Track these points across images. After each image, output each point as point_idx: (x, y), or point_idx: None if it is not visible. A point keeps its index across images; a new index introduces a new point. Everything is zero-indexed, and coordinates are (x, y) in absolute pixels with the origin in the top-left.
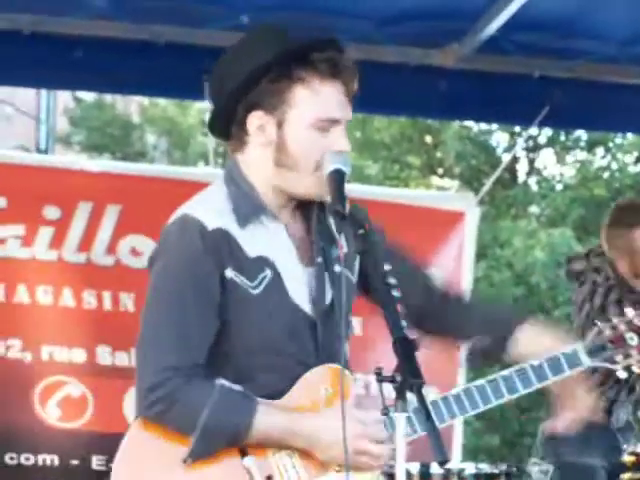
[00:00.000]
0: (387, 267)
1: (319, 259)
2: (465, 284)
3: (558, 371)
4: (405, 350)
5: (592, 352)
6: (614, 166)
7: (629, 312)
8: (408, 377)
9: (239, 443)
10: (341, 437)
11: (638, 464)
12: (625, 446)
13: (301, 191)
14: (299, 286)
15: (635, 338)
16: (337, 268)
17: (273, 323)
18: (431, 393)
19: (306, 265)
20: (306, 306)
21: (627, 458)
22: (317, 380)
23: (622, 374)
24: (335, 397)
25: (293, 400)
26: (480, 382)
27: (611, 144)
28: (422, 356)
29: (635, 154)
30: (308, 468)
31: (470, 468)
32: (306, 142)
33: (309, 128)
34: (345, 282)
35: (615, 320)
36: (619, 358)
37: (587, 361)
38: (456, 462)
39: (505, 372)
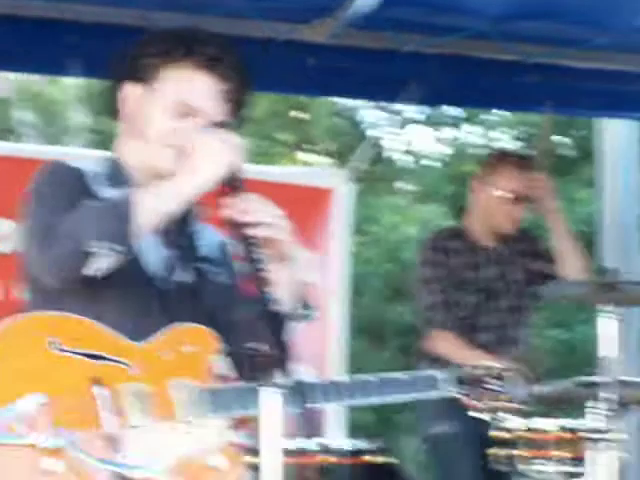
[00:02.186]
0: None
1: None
2: (338, 261)
3: (420, 391)
4: (273, 325)
5: (458, 383)
6: (486, 143)
7: (495, 363)
8: (276, 352)
9: None
10: None
11: (508, 440)
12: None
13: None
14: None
15: (499, 385)
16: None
17: None
18: (304, 371)
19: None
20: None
21: (496, 433)
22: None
23: (476, 414)
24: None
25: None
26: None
27: (483, 121)
28: (295, 334)
29: (506, 131)
30: (157, 410)
31: (346, 444)
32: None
33: (168, 108)
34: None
35: (481, 363)
36: (485, 399)
37: (450, 389)
38: (335, 439)
39: (372, 377)
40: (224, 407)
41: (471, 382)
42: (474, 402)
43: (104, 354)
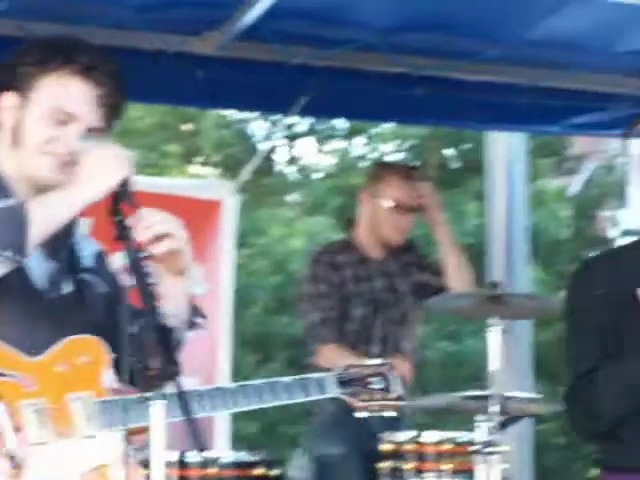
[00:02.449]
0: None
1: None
2: (225, 273)
3: (307, 394)
4: (162, 338)
5: (341, 384)
6: (373, 155)
7: (374, 361)
8: (165, 365)
9: None
10: None
11: (395, 453)
12: (381, 434)
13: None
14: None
15: (379, 382)
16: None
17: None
18: (192, 383)
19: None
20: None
21: (384, 447)
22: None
23: (362, 414)
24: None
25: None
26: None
27: (370, 133)
28: (185, 347)
29: (394, 143)
30: (56, 425)
31: (229, 456)
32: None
33: (44, 115)
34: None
35: (364, 362)
36: (363, 397)
37: (334, 391)
38: (220, 450)
39: (258, 382)
40: (119, 420)
41: (353, 382)
42: (357, 402)
43: (0, 370)
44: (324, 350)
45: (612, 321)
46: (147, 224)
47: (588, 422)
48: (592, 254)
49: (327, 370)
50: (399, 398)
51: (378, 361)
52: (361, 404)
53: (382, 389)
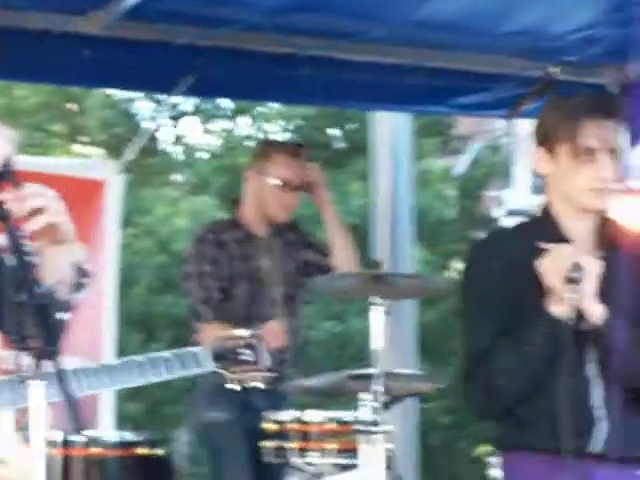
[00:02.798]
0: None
1: None
2: (109, 253)
3: (185, 368)
4: (42, 318)
5: (215, 357)
6: (259, 135)
7: (243, 332)
8: (44, 344)
9: None
10: None
11: (279, 432)
12: (264, 412)
13: None
14: None
15: (249, 354)
16: None
17: None
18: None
19: None
20: None
21: (268, 426)
22: None
23: (234, 386)
24: None
25: None
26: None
27: (255, 113)
28: (67, 326)
29: (279, 123)
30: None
31: (112, 436)
32: None
33: None
34: None
35: (236, 333)
36: (234, 369)
37: (210, 365)
38: (104, 430)
39: (139, 357)
40: (8, 400)
41: (226, 355)
42: (230, 375)
43: None
44: (206, 328)
45: (509, 299)
46: (20, 198)
47: (485, 400)
48: (488, 232)
49: None
50: (268, 369)
51: (247, 332)
52: (232, 376)
53: (252, 361)
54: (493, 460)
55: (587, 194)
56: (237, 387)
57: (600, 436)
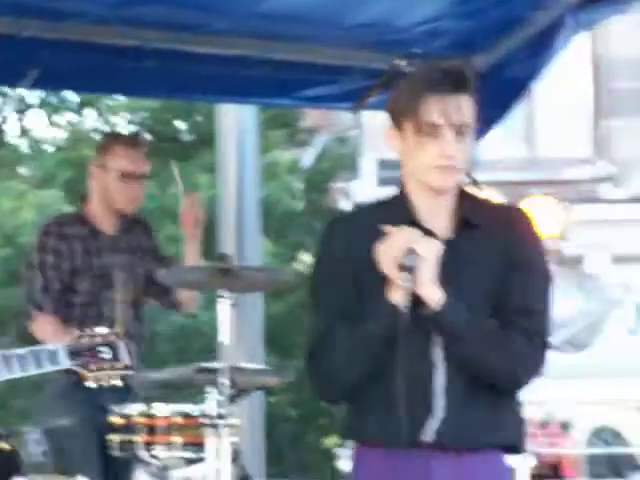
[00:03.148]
0: None
1: None
2: None
3: (40, 366)
4: None
5: (72, 355)
6: (105, 127)
7: (103, 330)
8: None
9: None
10: None
11: (125, 425)
12: (111, 406)
13: None
14: None
15: (108, 352)
16: None
17: None
18: None
19: None
20: None
21: (115, 419)
22: None
23: (92, 384)
24: None
25: None
26: None
27: (101, 105)
28: None
29: (125, 116)
30: None
31: None
32: None
33: None
34: None
35: (93, 331)
36: (92, 367)
37: (66, 362)
38: None
39: (4, 352)
40: None
41: (83, 353)
42: (88, 373)
43: None
44: (40, 318)
45: (352, 282)
46: None
47: (324, 383)
48: (337, 215)
49: (39, 342)
50: (127, 367)
51: (106, 330)
52: (90, 374)
53: (110, 358)
54: (341, 452)
55: (432, 172)
56: (94, 385)
57: (434, 425)
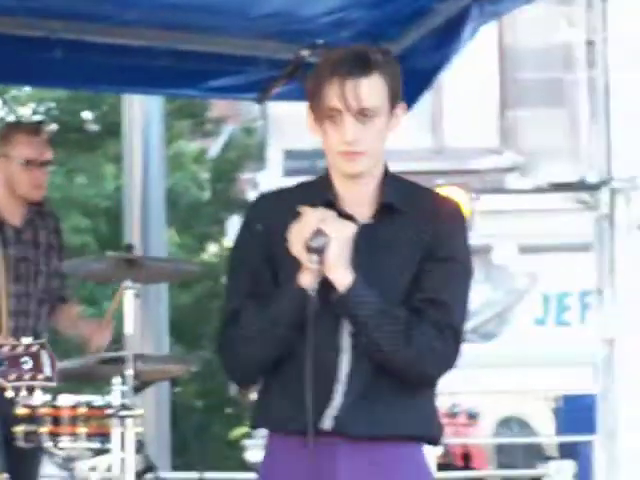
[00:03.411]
0: None
1: None
2: None
3: None
4: None
5: None
6: (10, 118)
7: (26, 340)
8: None
9: None
10: None
11: (30, 416)
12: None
13: None
14: None
15: (29, 362)
16: None
17: None
18: None
19: None
20: None
21: (20, 411)
22: None
23: (10, 393)
24: None
25: None
26: None
27: (7, 96)
28: None
29: (31, 106)
30: None
31: None
32: None
33: None
34: None
35: (17, 340)
36: (12, 377)
37: None
38: None
39: None
40: None
41: (3, 361)
42: (6, 383)
43: None
44: None
45: (267, 260)
46: None
47: (232, 366)
48: (264, 192)
49: None
50: (47, 378)
51: (29, 340)
52: (9, 384)
53: (31, 369)
54: (248, 443)
55: (337, 158)
56: (12, 395)
57: (332, 413)
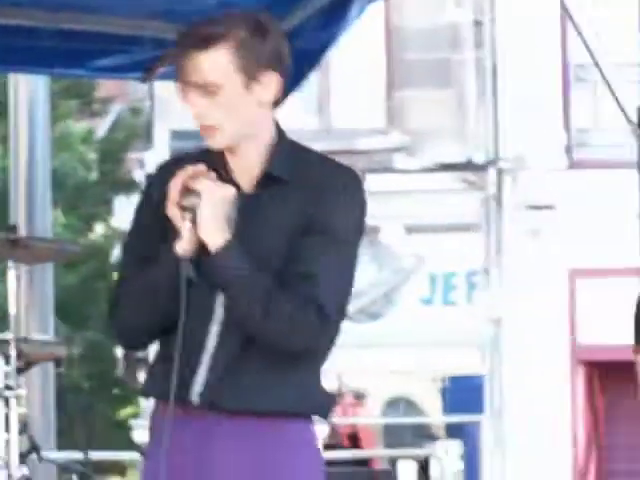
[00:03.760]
0: None
1: None
2: None
3: None
4: None
5: None
6: None
7: None
8: None
9: None
10: None
11: None
12: None
13: None
14: None
15: None
16: None
17: None
18: None
19: None
20: None
21: None
22: None
23: None
24: None
25: None
26: None
27: None
28: None
29: None
30: None
31: None
32: None
33: None
34: None
35: None
36: None
37: None
38: None
39: None
40: None
41: None
42: None
43: None
44: None
45: (160, 225)
46: None
47: (118, 332)
48: (167, 159)
49: None
50: None
51: None
52: None
53: None
54: (135, 423)
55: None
56: None
57: (198, 386)
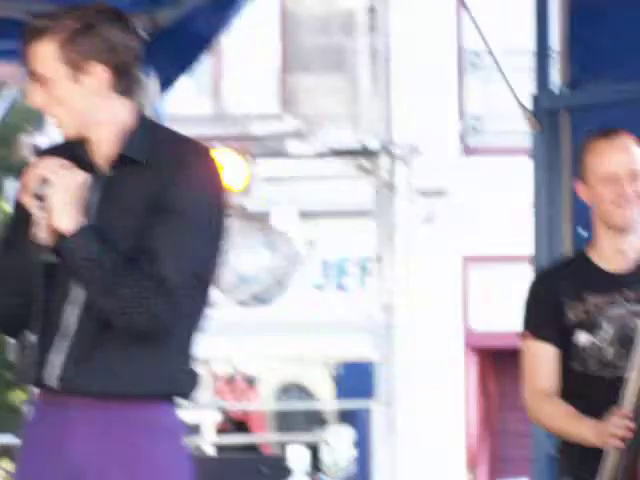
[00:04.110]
0: None
1: None
2: None
3: None
4: None
5: None
6: None
7: None
8: None
9: None
10: None
11: None
12: None
13: None
14: None
15: None
16: None
17: None
18: None
19: None
20: None
21: None
22: None
23: None
24: None
25: None
26: None
27: None
28: None
29: None
30: None
31: None
32: None
33: None
34: None
35: None
36: None
37: None
38: None
39: None
40: None
41: None
42: None
43: None
44: None
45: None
46: None
47: None
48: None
49: None
50: None
51: None
52: None
53: None
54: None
55: None
56: None
57: (55, 369)
